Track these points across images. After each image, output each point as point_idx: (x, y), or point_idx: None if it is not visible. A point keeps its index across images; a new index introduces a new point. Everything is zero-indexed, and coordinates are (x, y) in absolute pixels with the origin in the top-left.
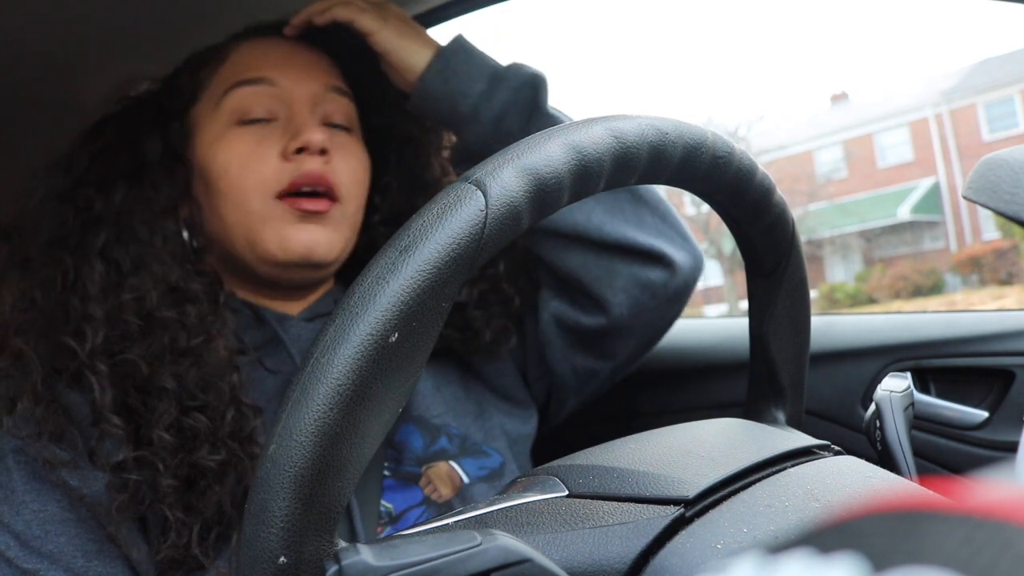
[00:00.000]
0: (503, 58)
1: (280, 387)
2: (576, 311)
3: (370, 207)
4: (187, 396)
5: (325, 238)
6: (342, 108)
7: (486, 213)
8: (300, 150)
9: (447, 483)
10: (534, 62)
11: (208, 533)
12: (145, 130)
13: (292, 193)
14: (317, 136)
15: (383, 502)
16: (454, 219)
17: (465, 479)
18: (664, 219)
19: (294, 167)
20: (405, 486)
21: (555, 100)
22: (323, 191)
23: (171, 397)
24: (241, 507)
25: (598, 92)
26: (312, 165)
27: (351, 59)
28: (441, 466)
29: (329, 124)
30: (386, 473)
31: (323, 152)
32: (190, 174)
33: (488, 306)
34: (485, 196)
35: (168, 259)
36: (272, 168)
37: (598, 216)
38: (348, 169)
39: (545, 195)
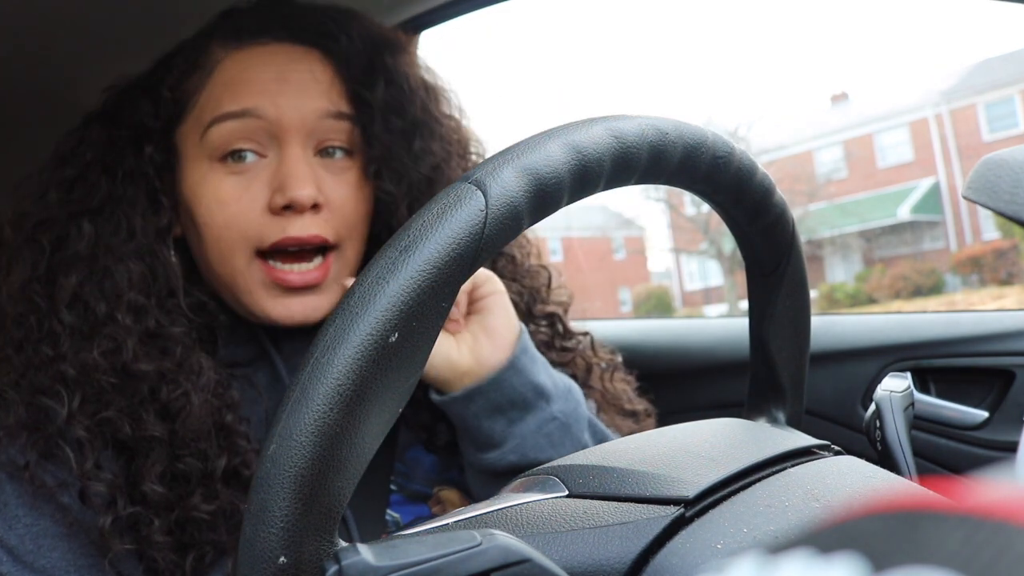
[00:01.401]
0: (501, 58)
1: (270, 407)
2: None
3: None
4: (178, 443)
5: (321, 304)
6: (341, 132)
7: (486, 213)
8: (288, 206)
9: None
10: (534, 62)
11: (202, 561)
12: (125, 153)
13: (278, 251)
14: (305, 192)
15: (390, 512)
16: (454, 219)
17: None
18: None
19: (280, 225)
20: (413, 503)
21: (556, 101)
22: (314, 247)
23: (161, 446)
24: (236, 538)
25: (598, 92)
26: (300, 226)
27: (360, 70)
28: (453, 493)
29: (325, 149)
30: (393, 488)
31: (314, 207)
32: (176, 205)
33: None
34: (485, 196)
35: (146, 300)
36: (256, 224)
37: None
38: (345, 210)
39: (545, 195)
